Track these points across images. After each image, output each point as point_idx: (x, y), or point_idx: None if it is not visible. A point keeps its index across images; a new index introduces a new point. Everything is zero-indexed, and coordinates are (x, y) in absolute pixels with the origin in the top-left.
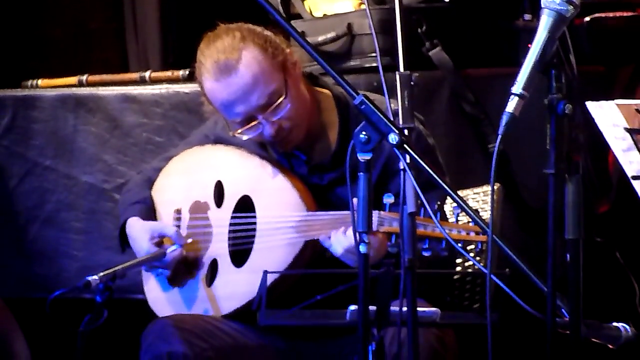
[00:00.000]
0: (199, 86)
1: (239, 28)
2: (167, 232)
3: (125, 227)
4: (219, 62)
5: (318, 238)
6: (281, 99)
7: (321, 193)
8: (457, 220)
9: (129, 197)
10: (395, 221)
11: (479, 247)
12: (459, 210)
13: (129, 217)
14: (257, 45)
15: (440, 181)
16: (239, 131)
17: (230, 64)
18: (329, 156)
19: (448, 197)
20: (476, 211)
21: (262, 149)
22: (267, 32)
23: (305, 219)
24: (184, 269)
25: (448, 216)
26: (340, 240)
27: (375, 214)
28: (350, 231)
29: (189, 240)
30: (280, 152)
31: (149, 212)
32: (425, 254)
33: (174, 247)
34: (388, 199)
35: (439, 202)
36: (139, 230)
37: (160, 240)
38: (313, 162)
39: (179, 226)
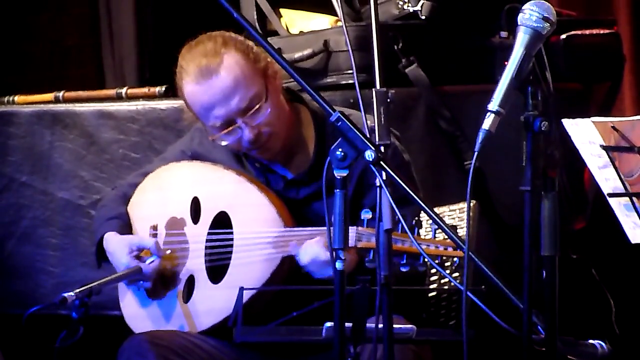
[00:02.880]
0: (178, 92)
1: (221, 34)
2: (145, 244)
3: (101, 243)
4: (201, 65)
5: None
6: (261, 103)
7: (297, 208)
8: (435, 236)
9: (105, 212)
10: (373, 236)
11: (456, 262)
12: (437, 227)
13: (105, 232)
14: (239, 51)
15: (417, 198)
16: (218, 136)
17: (212, 67)
18: (305, 170)
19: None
20: (453, 228)
21: (239, 164)
22: (249, 41)
23: (282, 234)
24: (161, 285)
25: (425, 232)
26: (307, 249)
27: (352, 229)
28: (319, 240)
29: (168, 252)
30: (257, 167)
31: (126, 228)
32: (403, 269)
33: (152, 259)
34: (366, 215)
35: (416, 218)
36: (117, 244)
37: (138, 254)
38: (290, 177)
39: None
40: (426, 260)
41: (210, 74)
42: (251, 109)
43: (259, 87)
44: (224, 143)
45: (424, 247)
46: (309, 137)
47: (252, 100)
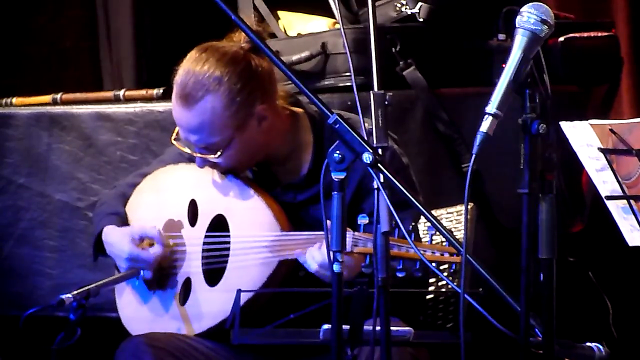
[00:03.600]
0: None
1: (230, 62)
2: (148, 233)
3: (101, 236)
4: (184, 89)
5: (293, 257)
6: (218, 151)
7: (294, 211)
8: (432, 240)
9: (105, 209)
10: (370, 242)
11: (453, 267)
12: (434, 231)
13: (105, 226)
14: (225, 96)
15: (415, 201)
16: (181, 144)
17: (189, 99)
18: (303, 175)
19: (422, 217)
20: (450, 231)
21: None
22: (259, 73)
23: (279, 238)
24: (158, 287)
25: (422, 236)
26: (314, 255)
27: (349, 234)
28: (324, 247)
29: (171, 242)
30: (254, 170)
31: (123, 226)
32: (400, 275)
33: (157, 247)
34: (362, 220)
35: (413, 223)
36: (118, 235)
37: (141, 242)
38: (285, 182)
39: (160, 230)
40: (424, 264)
41: (186, 103)
42: (206, 151)
43: (220, 139)
44: (186, 150)
45: (421, 251)
46: (307, 143)
47: (209, 146)
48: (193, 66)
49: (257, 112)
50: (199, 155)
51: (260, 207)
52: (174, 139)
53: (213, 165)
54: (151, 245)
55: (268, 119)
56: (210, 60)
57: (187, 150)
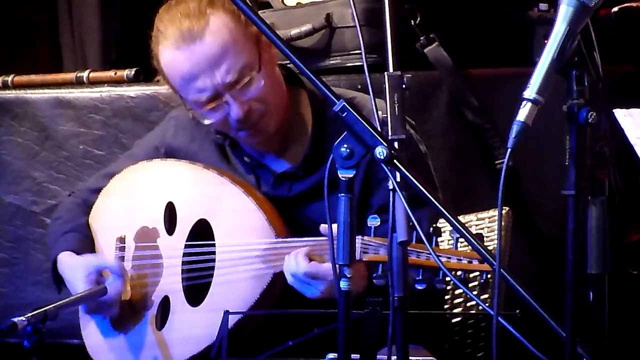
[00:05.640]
0: (154, 61)
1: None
2: (106, 265)
3: (57, 265)
4: (182, 27)
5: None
6: (253, 74)
7: (287, 207)
8: (457, 247)
9: (59, 226)
10: (382, 248)
11: (484, 277)
12: (459, 235)
13: (59, 252)
14: (228, 11)
15: (435, 199)
16: (200, 112)
17: (195, 30)
18: (299, 162)
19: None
20: (479, 237)
21: (224, 159)
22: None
23: (274, 246)
24: (130, 310)
25: (445, 239)
26: (288, 264)
27: (357, 239)
28: (300, 255)
29: (134, 274)
30: (246, 161)
31: (86, 242)
32: (419, 287)
33: (114, 281)
34: (373, 222)
35: (433, 225)
36: (72, 268)
37: (98, 277)
38: (279, 170)
39: (122, 257)
40: (447, 277)
41: (194, 38)
42: (241, 81)
43: (250, 56)
44: (207, 121)
45: (443, 259)
46: (306, 124)
47: (242, 71)
48: (173, 9)
49: (264, 43)
50: (237, 98)
51: (249, 208)
52: (192, 115)
53: (248, 114)
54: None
55: (275, 65)
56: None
57: (215, 117)
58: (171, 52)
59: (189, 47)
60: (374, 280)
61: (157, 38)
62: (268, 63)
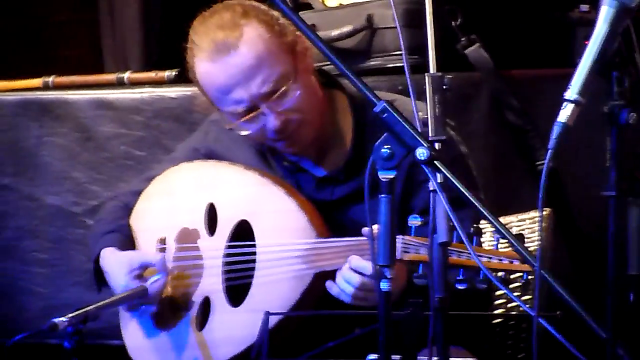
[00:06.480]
0: (190, 73)
1: (240, 3)
2: (149, 261)
3: (99, 262)
4: (217, 39)
5: (333, 268)
6: (288, 85)
7: (329, 211)
8: (498, 248)
9: (101, 226)
10: (423, 247)
11: (525, 277)
12: (500, 235)
13: (102, 249)
14: (262, 22)
15: (476, 200)
16: (236, 124)
17: (230, 41)
18: (341, 166)
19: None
20: (519, 237)
21: (264, 163)
22: (274, 11)
23: (315, 246)
24: (171, 310)
25: (486, 241)
26: (343, 283)
27: (398, 239)
28: (354, 259)
29: (175, 274)
30: (285, 165)
31: (127, 242)
32: (460, 286)
33: (157, 277)
34: (414, 221)
35: (474, 225)
36: (115, 263)
37: (141, 273)
38: (322, 174)
39: (164, 256)
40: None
41: (228, 49)
42: (276, 91)
43: (285, 66)
44: (244, 133)
45: (484, 260)
46: (345, 127)
47: (278, 82)
48: (207, 21)
49: (300, 39)
50: (273, 109)
51: (290, 209)
52: (231, 129)
53: (285, 124)
54: (154, 273)
55: (310, 74)
56: (221, 10)
57: (252, 128)
58: (206, 65)
59: (223, 59)
60: (414, 280)
61: (192, 50)
62: (304, 72)
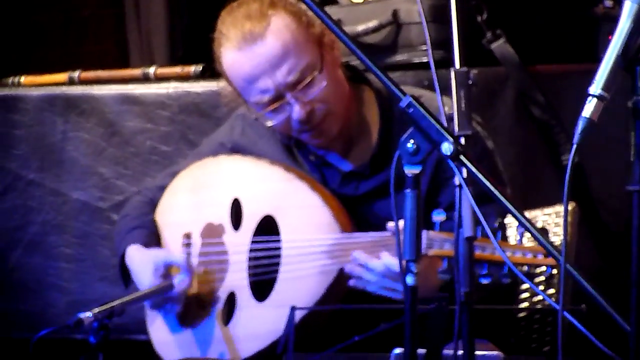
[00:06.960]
0: (217, 63)
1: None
2: (174, 260)
3: (125, 260)
4: (244, 29)
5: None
6: (315, 75)
7: (354, 206)
8: (522, 242)
9: (126, 223)
10: (448, 243)
11: (548, 271)
12: (524, 229)
13: (128, 246)
14: (289, 12)
15: (502, 196)
16: (262, 114)
17: (257, 31)
18: (367, 161)
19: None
20: (543, 231)
21: (290, 157)
22: (301, 4)
23: (340, 241)
24: (196, 306)
25: (512, 235)
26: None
27: (423, 234)
28: (385, 256)
29: (201, 270)
30: (311, 160)
31: (153, 238)
32: (484, 281)
33: (182, 277)
34: (439, 217)
35: (499, 220)
36: (140, 261)
37: (166, 272)
38: (348, 168)
39: (189, 254)
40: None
41: (255, 39)
42: (302, 81)
43: (312, 56)
44: (269, 123)
45: (508, 254)
46: (372, 122)
47: (304, 71)
48: (235, 11)
49: (327, 32)
50: (299, 98)
51: (316, 204)
52: (254, 116)
53: (311, 114)
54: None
55: (337, 67)
56: (249, 1)
57: (277, 118)
58: (233, 54)
59: (250, 48)
60: (439, 275)
61: (220, 40)
62: (330, 64)
